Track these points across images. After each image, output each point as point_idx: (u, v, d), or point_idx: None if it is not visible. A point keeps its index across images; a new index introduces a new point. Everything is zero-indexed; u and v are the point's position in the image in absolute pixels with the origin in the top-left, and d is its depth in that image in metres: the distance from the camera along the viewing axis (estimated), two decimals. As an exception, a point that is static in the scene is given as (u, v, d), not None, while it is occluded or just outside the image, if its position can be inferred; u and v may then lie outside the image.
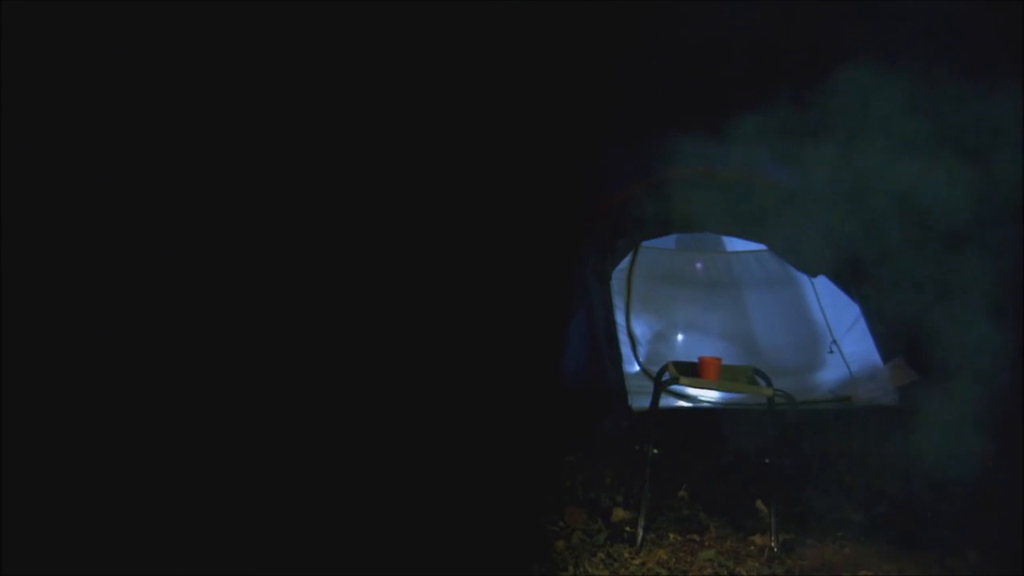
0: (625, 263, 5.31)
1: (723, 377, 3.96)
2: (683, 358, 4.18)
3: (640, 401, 4.59)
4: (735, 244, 5.79)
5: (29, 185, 4.05)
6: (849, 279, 5.05)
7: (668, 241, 5.67)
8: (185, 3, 4.54)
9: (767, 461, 3.88)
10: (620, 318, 5.17)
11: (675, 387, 4.18)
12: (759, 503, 4.08)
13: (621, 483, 4.30)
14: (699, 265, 5.75)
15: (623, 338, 5.14)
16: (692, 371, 3.95)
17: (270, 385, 4.26)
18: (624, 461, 4.39)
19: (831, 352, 5.43)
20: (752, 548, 3.79)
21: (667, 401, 4.43)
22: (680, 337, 5.59)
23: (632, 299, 5.35)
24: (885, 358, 5.10)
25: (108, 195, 4.45)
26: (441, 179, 5.36)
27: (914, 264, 4.34)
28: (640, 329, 5.42)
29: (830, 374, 5.34)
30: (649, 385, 4.29)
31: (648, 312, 5.52)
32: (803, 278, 5.50)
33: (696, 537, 3.89)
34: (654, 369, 4.40)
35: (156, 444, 3.77)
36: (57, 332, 4.02)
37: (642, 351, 5.32)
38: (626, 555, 3.68)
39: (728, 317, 5.74)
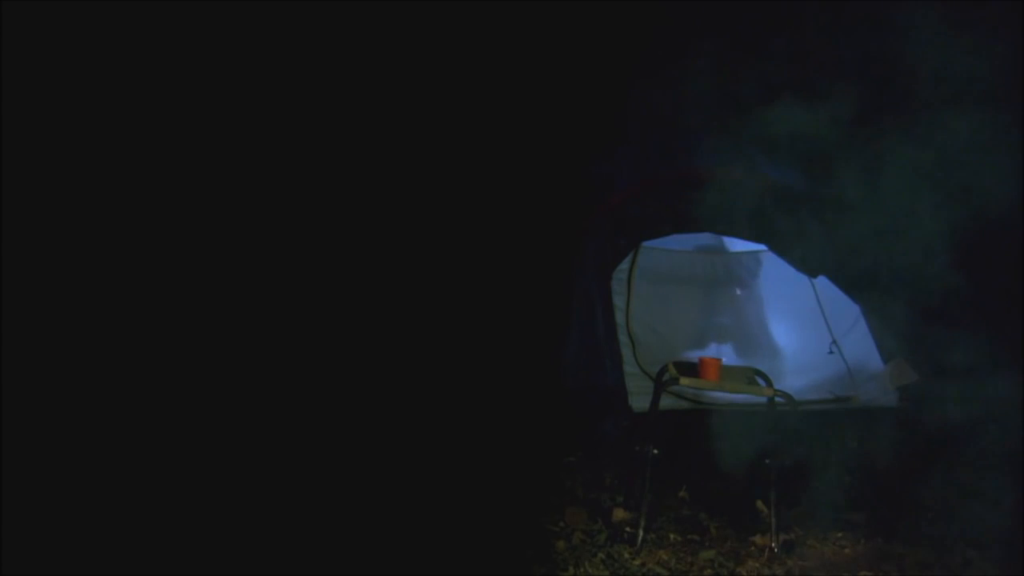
0: (625, 263, 5.30)
1: (723, 377, 3.97)
2: (683, 358, 4.17)
3: (640, 401, 4.59)
4: (735, 244, 5.78)
5: (29, 185, 4.05)
6: (849, 279, 5.04)
7: (668, 241, 5.65)
8: (185, 3, 4.54)
9: (767, 461, 3.87)
10: (620, 318, 5.17)
11: (675, 387, 4.18)
12: (759, 503, 4.08)
13: (621, 483, 4.30)
14: (708, 260, 5.73)
15: (623, 338, 5.13)
16: (692, 371, 3.95)
17: (270, 386, 4.26)
18: (624, 461, 4.38)
19: (831, 352, 5.42)
20: (752, 548, 3.79)
21: (667, 401, 4.43)
22: (680, 337, 5.58)
23: (632, 299, 5.34)
24: (885, 358, 5.10)
25: (108, 195, 4.45)
26: (443, 179, 5.36)
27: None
28: (640, 329, 5.41)
29: (830, 374, 5.33)
30: (649, 385, 4.29)
31: (648, 312, 5.51)
32: (803, 278, 5.49)
33: (696, 537, 3.89)
34: (654, 369, 4.40)
35: (156, 444, 3.78)
36: (57, 332, 4.02)
37: (642, 351, 5.31)
38: (626, 555, 3.68)
39: (728, 317, 5.73)
